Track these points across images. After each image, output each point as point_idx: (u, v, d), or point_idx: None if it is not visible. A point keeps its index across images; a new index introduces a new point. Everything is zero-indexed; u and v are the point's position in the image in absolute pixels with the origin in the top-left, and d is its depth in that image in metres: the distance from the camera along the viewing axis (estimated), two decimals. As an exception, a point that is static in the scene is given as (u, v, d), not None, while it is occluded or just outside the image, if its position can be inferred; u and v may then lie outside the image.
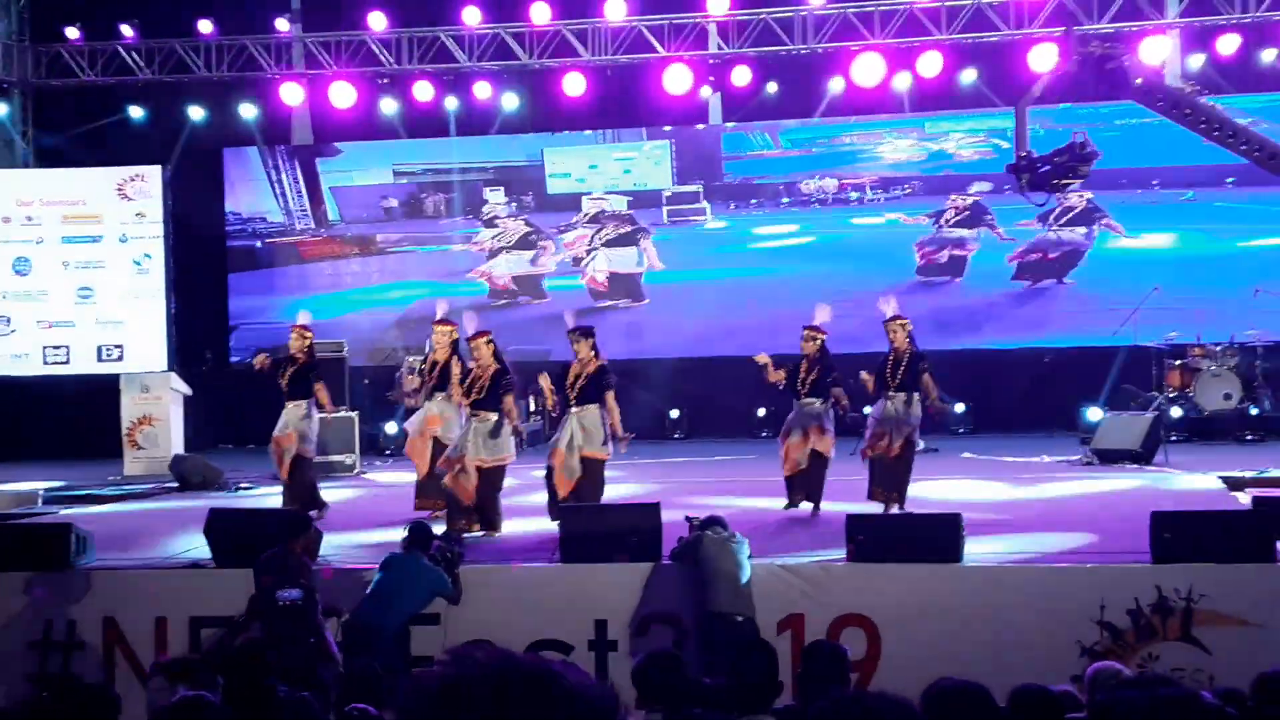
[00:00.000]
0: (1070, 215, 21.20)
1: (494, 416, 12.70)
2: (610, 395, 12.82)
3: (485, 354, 12.85)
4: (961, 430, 20.25)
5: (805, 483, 13.25)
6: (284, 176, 23.09)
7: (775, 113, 21.81)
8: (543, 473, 12.94)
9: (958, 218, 21.65)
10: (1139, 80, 12.71)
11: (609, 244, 22.56)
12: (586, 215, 22.56)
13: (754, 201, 22.30)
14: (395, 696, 2.09)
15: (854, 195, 21.99)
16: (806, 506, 13.20)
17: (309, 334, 14.16)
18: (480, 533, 12.43)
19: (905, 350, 13.09)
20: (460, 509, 12.57)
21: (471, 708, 1.92)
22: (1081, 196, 20.78)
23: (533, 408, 18.93)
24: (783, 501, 13.37)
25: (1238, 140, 13.13)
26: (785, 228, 22.17)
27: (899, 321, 13.25)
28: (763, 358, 13.50)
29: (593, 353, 12.84)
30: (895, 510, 12.70)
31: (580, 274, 22.65)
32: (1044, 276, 21.45)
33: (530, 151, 22.70)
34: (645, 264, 22.45)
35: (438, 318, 14.04)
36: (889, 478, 12.93)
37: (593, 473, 12.67)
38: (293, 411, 13.90)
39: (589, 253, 22.62)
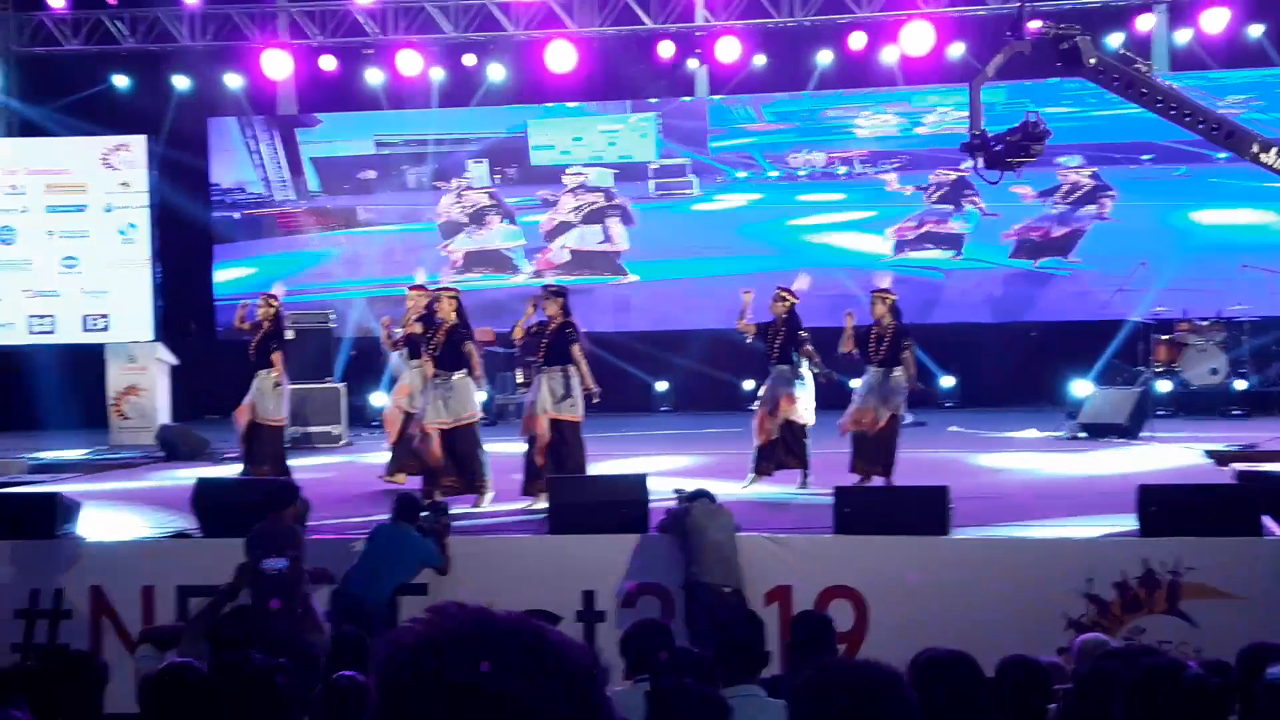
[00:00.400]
0: (1079, 193, 21.14)
1: (455, 375, 12.65)
2: (576, 349, 12.64)
3: (446, 309, 12.73)
4: (949, 404, 20.27)
5: (779, 452, 13.17)
6: (263, 147, 22.98)
7: (763, 86, 21.75)
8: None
9: (939, 193, 21.61)
10: (1092, 60, 12.61)
11: (585, 219, 22.50)
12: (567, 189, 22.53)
13: (741, 175, 22.24)
14: (374, 656, 2.05)
15: (842, 170, 21.95)
16: (783, 478, 13.12)
17: (275, 302, 14.03)
18: (475, 497, 12.45)
19: (889, 325, 13.01)
20: (433, 474, 12.55)
21: (450, 662, 1.91)
22: (1081, 173, 20.80)
23: (519, 379, 18.86)
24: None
25: (1195, 118, 13.08)
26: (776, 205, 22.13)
27: (882, 294, 13.17)
28: (747, 295, 13.37)
29: (561, 312, 12.74)
30: (880, 483, 12.67)
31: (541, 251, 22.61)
32: (1046, 254, 21.38)
33: (513, 124, 22.61)
34: (613, 244, 22.35)
35: (415, 283, 13.94)
36: (873, 451, 12.91)
37: (566, 436, 12.62)
38: (262, 380, 13.82)
39: (559, 228, 22.58)
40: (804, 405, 13.12)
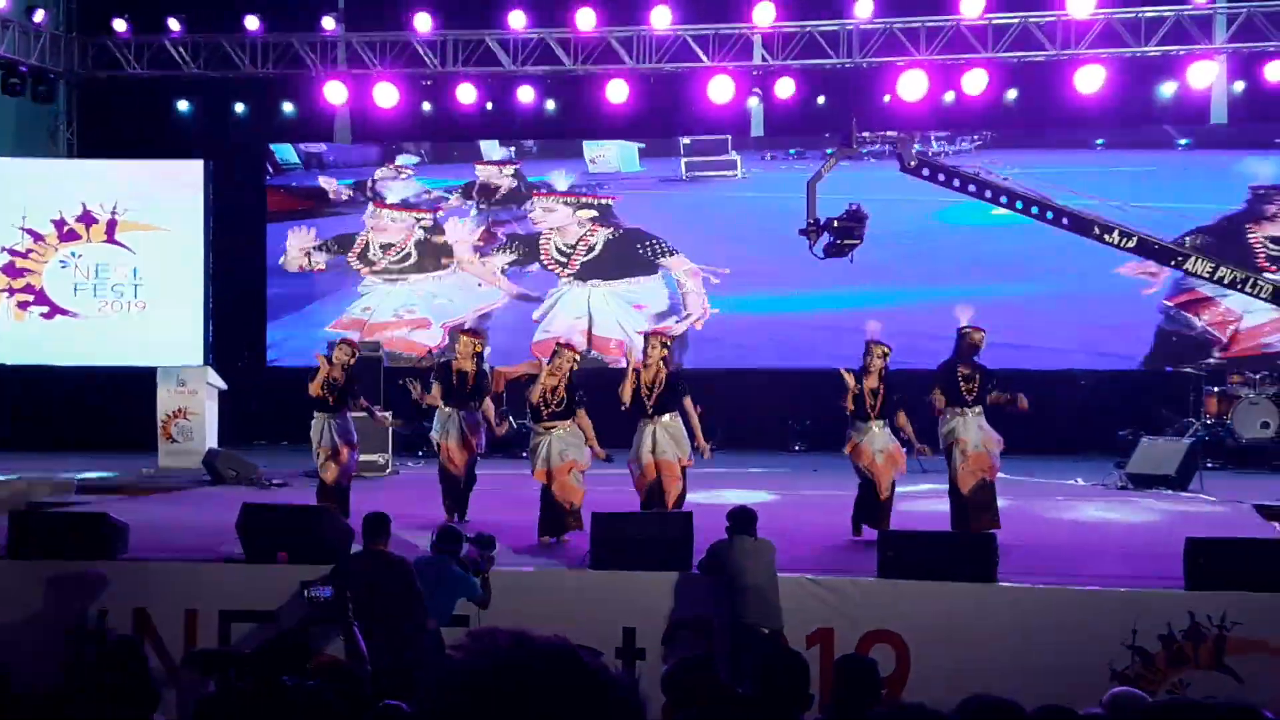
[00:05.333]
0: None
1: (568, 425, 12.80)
2: (687, 400, 12.84)
3: (565, 367, 12.89)
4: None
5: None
6: (322, 179, 23.11)
7: (817, 126, 21.74)
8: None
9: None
10: (912, 163, 14.23)
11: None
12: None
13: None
14: (419, 684, 2.07)
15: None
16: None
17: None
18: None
19: (976, 366, 12.85)
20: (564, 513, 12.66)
21: (494, 689, 1.93)
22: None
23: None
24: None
25: (1028, 207, 14.30)
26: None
27: (980, 333, 12.95)
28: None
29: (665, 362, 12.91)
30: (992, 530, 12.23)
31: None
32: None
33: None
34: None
35: (466, 327, 14.06)
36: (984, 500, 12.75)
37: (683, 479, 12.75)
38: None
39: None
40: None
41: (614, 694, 1.96)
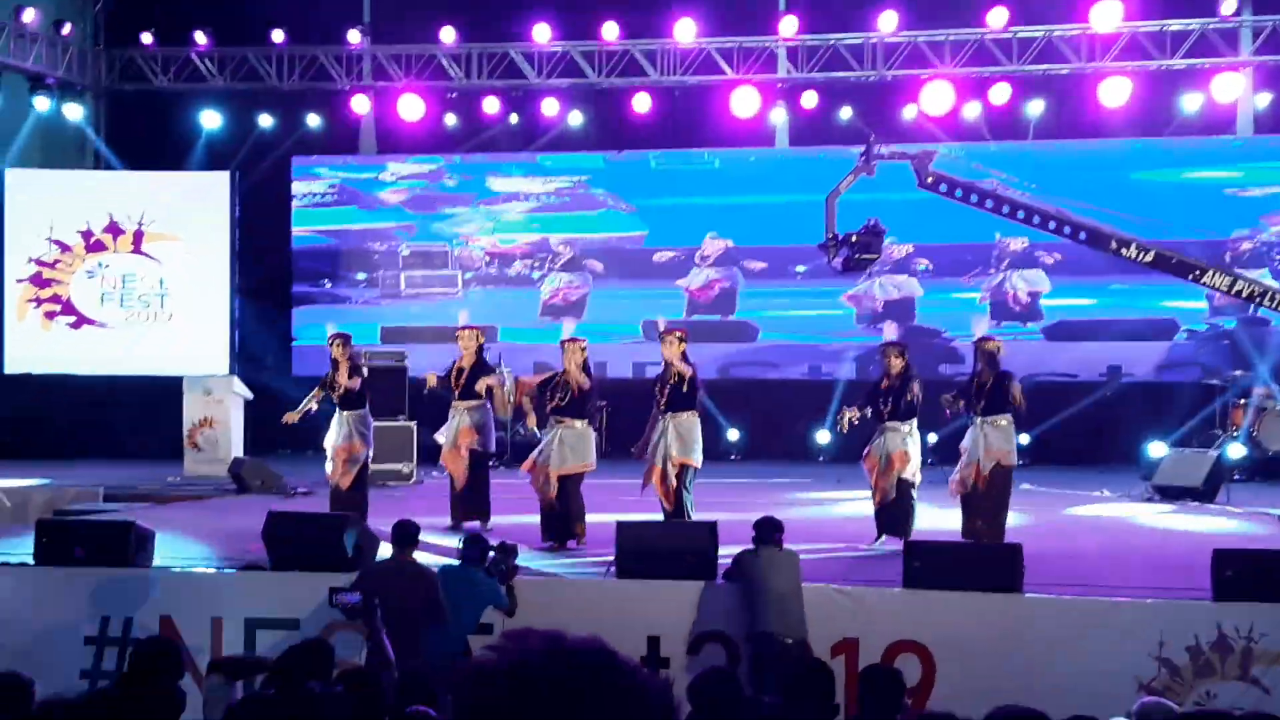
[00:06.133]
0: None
1: (579, 424, 12.84)
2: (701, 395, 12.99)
3: (576, 361, 12.95)
4: (1021, 462, 20.04)
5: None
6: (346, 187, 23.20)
7: (842, 138, 21.70)
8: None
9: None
10: (929, 179, 14.38)
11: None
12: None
13: None
14: (452, 684, 2.06)
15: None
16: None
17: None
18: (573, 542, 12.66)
19: (990, 373, 12.88)
20: (543, 515, 12.75)
21: (528, 686, 1.92)
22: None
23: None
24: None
25: (1046, 222, 14.45)
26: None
27: (994, 342, 13.13)
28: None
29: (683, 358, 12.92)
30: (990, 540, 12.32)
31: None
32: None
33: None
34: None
35: (460, 324, 14.14)
36: (983, 508, 12.79)
37: (686, 481, 12.78)
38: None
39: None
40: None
41: (648, 695, 1.96)
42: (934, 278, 21.60)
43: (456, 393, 13.89)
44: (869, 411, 12.96)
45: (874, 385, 13.17)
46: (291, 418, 14.16)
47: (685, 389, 12.76)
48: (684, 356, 12.85)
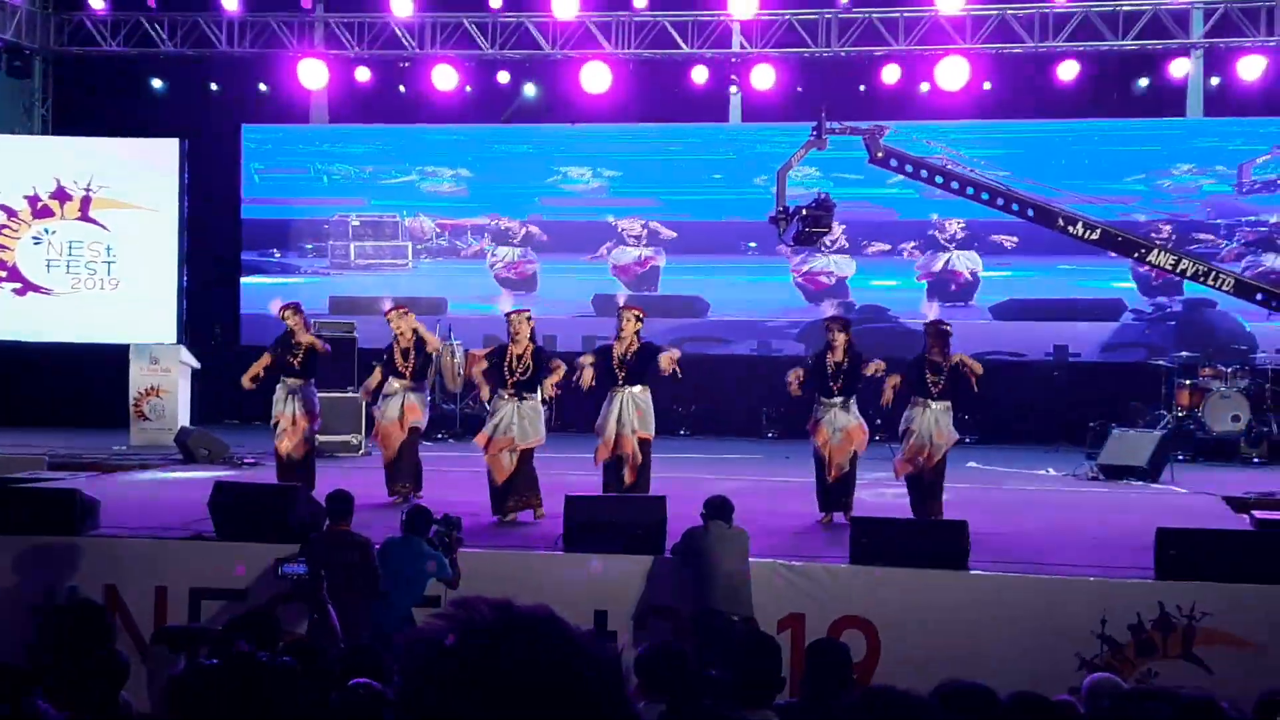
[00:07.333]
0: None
1: (535, 398, 12.86)
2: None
3: (525, 332, 12.94)
4: (968, 440, 20.16)
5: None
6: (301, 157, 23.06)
7: (795, 115, 21.68)
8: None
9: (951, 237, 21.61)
10: (879, 154, 14.57)
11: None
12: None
13: None
14: (399, 654, 2.04)
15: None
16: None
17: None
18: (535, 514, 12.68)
19: (948, 357, 12.93)
20: (499, 489, 12.70)
21: (476, 653, 1.92)
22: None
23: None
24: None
25: (995, 198, 14.66)
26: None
27: (943, 326, 13.18)
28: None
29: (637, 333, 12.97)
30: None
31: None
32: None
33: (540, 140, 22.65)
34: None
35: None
36: (934, 487, 12.88)
37: (646, 454, 12.79)
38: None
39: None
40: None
41: (599, 665, 1.96)
42: (870, 257, 21.70)
43: (407, 373, 13.90)
44: (814, 391, 13.02)
45: (817, 359, 13.18)
46: (249, 381, 14.08)
47: (640, 363, 12.79)
48: (638, 334, 12.92)
